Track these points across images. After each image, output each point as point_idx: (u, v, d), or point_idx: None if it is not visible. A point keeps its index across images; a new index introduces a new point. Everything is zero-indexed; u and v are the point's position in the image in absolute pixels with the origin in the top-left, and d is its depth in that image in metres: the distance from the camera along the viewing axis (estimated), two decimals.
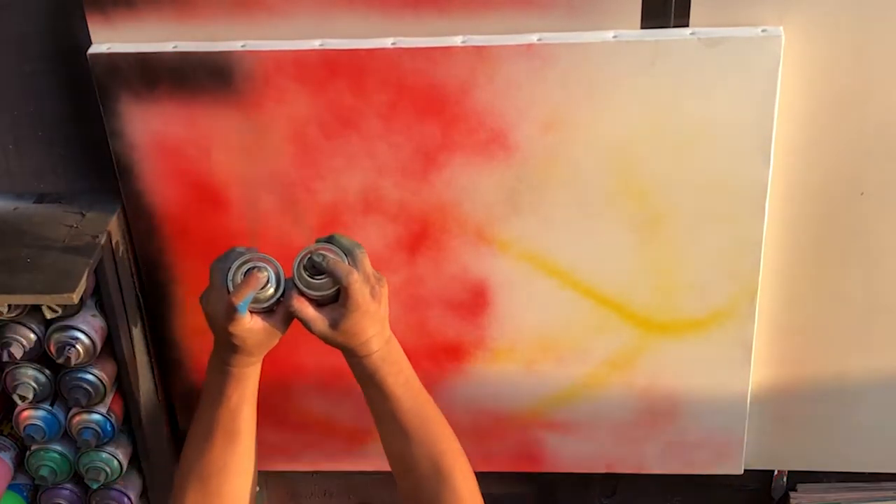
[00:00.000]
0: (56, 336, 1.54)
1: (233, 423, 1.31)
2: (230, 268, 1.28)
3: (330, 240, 1.32)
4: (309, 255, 1.28)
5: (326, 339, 1.30)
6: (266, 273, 1.27)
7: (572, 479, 1.88)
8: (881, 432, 1.71)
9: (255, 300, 1.27)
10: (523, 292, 1.60)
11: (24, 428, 1.62)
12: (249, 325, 1.27)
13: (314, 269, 1.28)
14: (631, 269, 1.56)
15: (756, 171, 1.46)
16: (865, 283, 1.58)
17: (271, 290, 1.28)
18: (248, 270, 1.27)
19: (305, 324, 1.29)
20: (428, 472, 1.30)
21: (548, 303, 1.60)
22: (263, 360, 1.71)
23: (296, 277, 1.29)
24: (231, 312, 1.25)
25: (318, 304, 1.29)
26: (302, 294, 1.29)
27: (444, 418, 1.34)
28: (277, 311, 1.30)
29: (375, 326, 1.29)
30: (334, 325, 1.28)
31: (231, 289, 1.26)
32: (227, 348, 1.30)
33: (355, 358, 1.31)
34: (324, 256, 1.28)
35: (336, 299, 1.28)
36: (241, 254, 1.29)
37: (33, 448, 1.67)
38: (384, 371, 1.31)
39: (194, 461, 1.32)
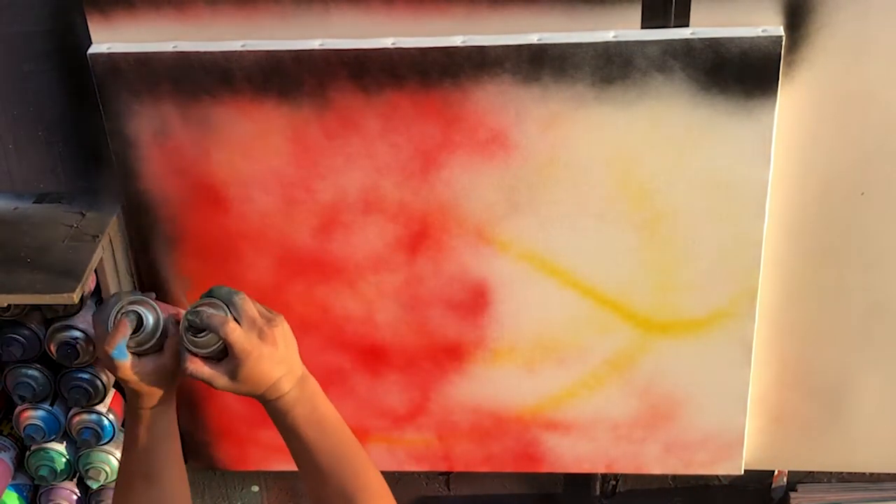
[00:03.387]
0: (56, 336, 1.54)
1: (148, 465, 1.30)
2: (110, 314, 1.28)
3: (209, 293, 1.30)
4: (190, 314, 1.27)
5: (233, 392, 1.28)
6: (133, 318, 1.27)
7: (572, 479, 1.88)
8: (881, 432, 1.71)
9: (138, 343, 1.27)
10: (523, 292, 1.60)
11: (24, 428, 1.62)
12: (137, 368, 1.26)
13: (195, 327, 1.27)
14: (631, 269, 1.56)
15: (756, 171, 1.46)
16: (865, 283, 1.58)
17: (149, 331, 1.27)
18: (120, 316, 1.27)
19: (207, 383, 1.27)
20: None
21: (548, 303, 1.60)
22: None
23: (184, 340, 1.27)
24: (108, 360, 1.26)
25: (215, 359, 1.28)
26: (195, 354, 1.27)
27: (365, 456, 1.30)
28: (166, 349, 1.29)
29: (280, 368, 1.27)
30: (233, 376, 1.25)
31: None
32: (128, 392, 1.30)
33: (267, 403, 1.29)
34: (198, 313, 1.26)
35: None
36: (118, 300, 1.29)
37: (33, 448, 1.67)
38: (296, 412, 1.28)
39: None
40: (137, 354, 1.28)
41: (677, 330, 1.61)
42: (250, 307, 1.28)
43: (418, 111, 1.46)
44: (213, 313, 1.26)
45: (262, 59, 1.44)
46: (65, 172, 1.59)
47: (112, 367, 1.27)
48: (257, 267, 1.61)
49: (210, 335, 1.26)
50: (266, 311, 1.30)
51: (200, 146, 1.52)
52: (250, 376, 1.25)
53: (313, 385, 1.31)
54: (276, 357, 1.26)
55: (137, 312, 1.28)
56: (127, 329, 1.26)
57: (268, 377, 1.26)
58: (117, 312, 1.28)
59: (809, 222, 1.54)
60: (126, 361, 1.26)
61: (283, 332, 1.28)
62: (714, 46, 1.38)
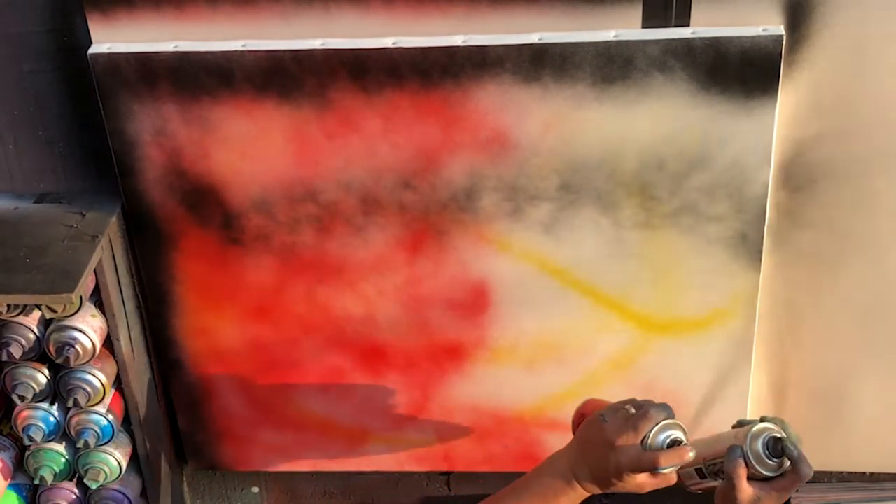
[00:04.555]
0: (55, 336, 1.54)
1: None
2: (659, 423, 1.29)
3: (780, 424, 1.32)
4: (778, 440, 1.28)
5: None
6: (692, 455, 1.28)
7: None
8: (881, 432, 1.71)
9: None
10: (523, 292, 1.60)
11: (24, 428, 1.61)
12: (646, 480, 1.29)
13: (775, 451, 1.28)
14: (631, 269, 1.56)
15: (756, 171, 1.46)
16: (865, 284, 1.58)
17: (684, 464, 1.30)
18: (673, 440, 1.29)
19: (731, 490, 1.28)
20: None
21: (548, 303, 1.60)
22: (264, 360, 1.72)
23: (748, 448, 1.29)
24: (646, 468, 1.27)
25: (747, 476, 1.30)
26: (746, 463, 1.28)
27: None
28: (660, 476, 1.30)
29: None
30: (754, 502, 1.28)
31: (647, 443, 1.28)
32: (598, 477, 1.31)
33: None
34: (797, 447, 1.27)
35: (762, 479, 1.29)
36: (671, 415, 1.31)
37: (32, 448, 1.66)
38: None
39: None
40: None
41: (677, 330, 1.61)
42: None
43: (419, 111, 1.46)
44: (806, 460, 1.27)
45: (263, 59, 1.44)
46: (65, 172, 1.59)
47: (637, 469, 1.27)
48: (257, 267, 1.61)
49: (776, 464, 1.28)
50: None
51: (200, 146, 1.52)
52: None
53: None
54: None
55: (693, 451, 1.29)
56: (682, 462, 1.28)
57: None
58: (666, 427, 1.29)
59: (809, 223, 1.54)
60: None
61: None
62: (714, 46, 1.38)
